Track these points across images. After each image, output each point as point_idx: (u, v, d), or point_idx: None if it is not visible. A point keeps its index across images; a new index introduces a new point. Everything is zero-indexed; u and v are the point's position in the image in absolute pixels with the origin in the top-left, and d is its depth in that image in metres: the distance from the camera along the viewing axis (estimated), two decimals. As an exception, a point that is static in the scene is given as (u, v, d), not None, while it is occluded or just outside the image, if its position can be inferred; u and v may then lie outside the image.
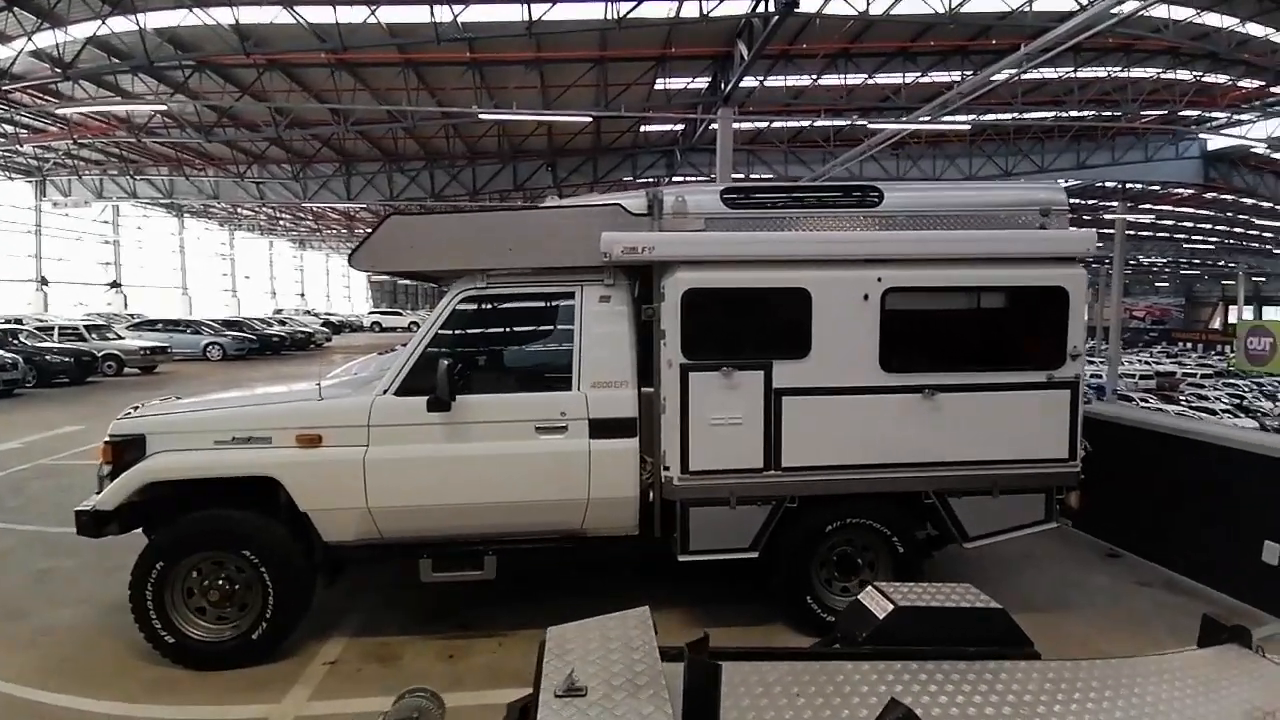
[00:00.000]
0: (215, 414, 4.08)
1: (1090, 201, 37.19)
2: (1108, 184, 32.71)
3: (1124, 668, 2.45)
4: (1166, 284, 69.19)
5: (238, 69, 18.94)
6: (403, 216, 4.02)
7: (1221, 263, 52.97)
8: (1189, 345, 52.15)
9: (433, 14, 14.59)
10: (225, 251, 47.07)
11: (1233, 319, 47.84)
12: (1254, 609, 4.47)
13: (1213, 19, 17.83)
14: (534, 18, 14.64)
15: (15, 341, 17.05)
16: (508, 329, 4.31)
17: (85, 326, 20.60)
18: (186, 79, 19.13)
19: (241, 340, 25.01)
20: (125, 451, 3.94)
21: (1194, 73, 21.56)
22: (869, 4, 15.40)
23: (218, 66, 18.77)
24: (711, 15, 15.23)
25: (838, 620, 3.45)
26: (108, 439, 4.02)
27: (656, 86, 20.93)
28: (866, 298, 4.00)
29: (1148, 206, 37.93)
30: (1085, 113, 23.85)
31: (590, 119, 19.52)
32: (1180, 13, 17.34)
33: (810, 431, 4.03)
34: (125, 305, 33.65)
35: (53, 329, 19.92)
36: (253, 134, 23.34)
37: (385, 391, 3.94)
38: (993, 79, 13.36)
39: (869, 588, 3.29)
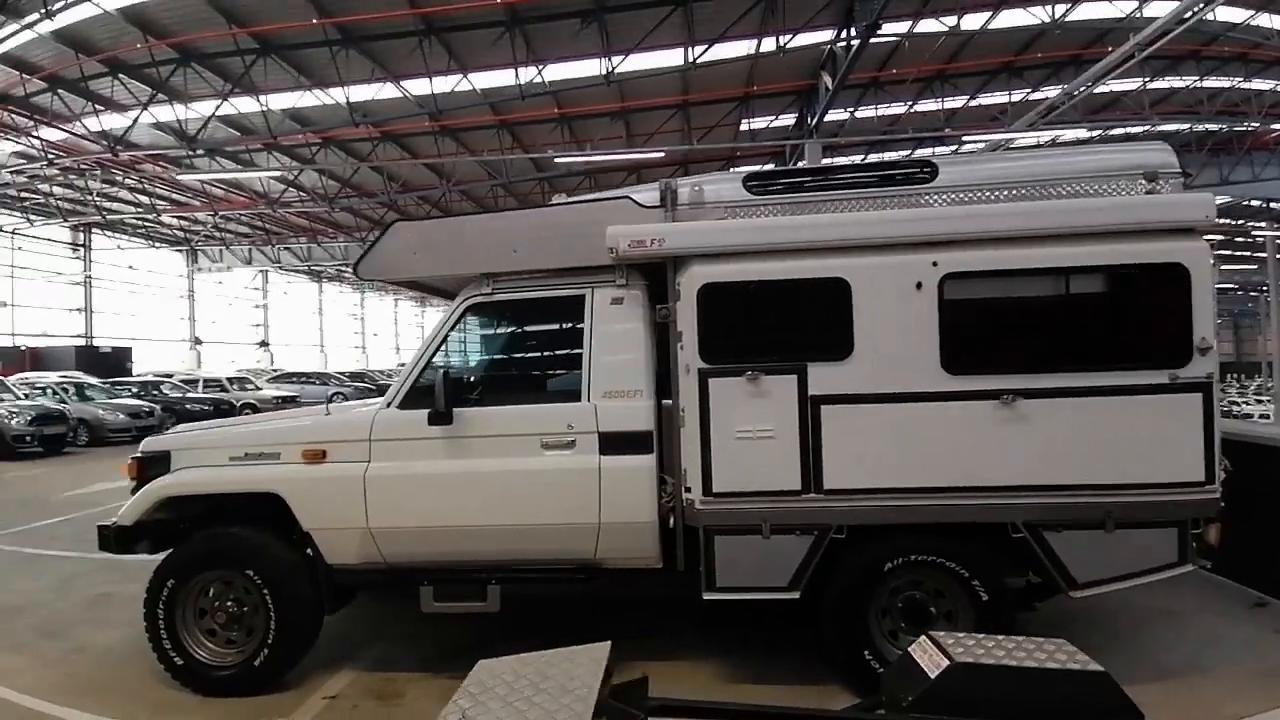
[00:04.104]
0: (232, 431, 4.05)
1: (1239, 221, 33.23)
2: (1253, 202, 29.11)
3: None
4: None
5: (355, 142, 20.69)
6: (408, 222, 3.89)
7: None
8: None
9: (517, 75, 15.25)
10: (356, 312, 51.14)
11: None
12: None
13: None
14: (613, 68, 14.92)
15: (156, 392, 19.13)
16: (516, 337, 4.03)
17: (227, 379, 22.86)
18: (314, 155, 21.06)
19: (363, 390, 26.79)
20: (149, 468, 3.97)
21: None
22: (959, 20, 14.52)
23: (340, 142, 20.57)
24: (790, 48, 14.94)
25: (883, 676, 2.77)
26: (135, 456, 4.05)
27: (742, 128, 20.82)
28: (920, 286, 3.36)
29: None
30: (1218, 125, 21.53)
31: (662, 154, 19.57)
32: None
33: (857, 447, 3.39)
34: (271, 361, 37.02)
35: (197, 381, 22.32)
36: (370, 199, 25.29)
37: (389, 405, 3.73)
38: (1089, 86, 12.09)
39: (923, 637, 2.61)
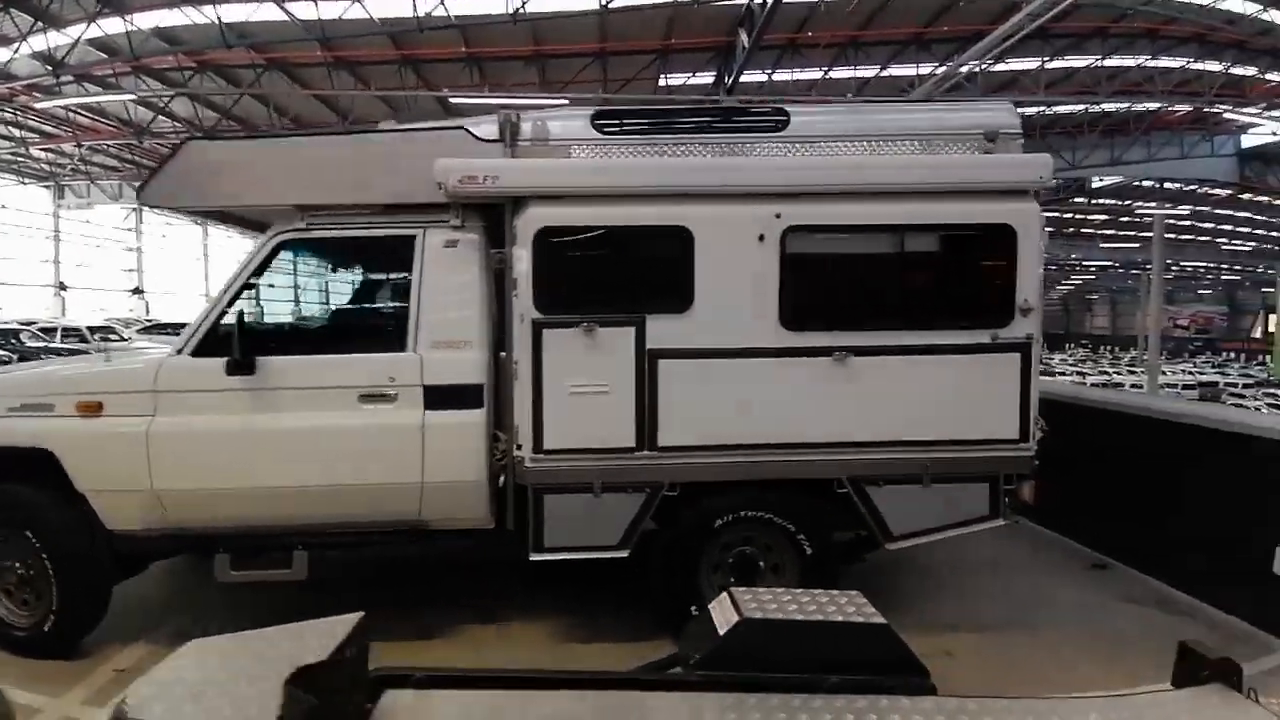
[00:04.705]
0: (6, 379, 3.55)
1: (1126, 202, 35.57)
2: (1145, 183, 31.13)
3: (1055, 711, 1.78)
4: (1209, 291, 66.03)
5: (237, 68, 18.91)
6: (203, 141, 3.45)
7: (1261, 268, 50.23)
8: (1233, 355, 49.47)
9: (415, 6, 14.23)
10: (249, 258, 47.80)
11: (1273, 328, 45.05)
12: (1262, 633, 3.61)
13: (1235, 2, 16.64)
14: (522, 5, 14.15)
15: (14, 341, 17.44)
16: (333, 279, 3.71)
17: (88, 328, 20.90)
18: (187, 80, 19.15)
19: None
20: None
21: (1222, 63, 20.29)
22: (873, -16, 14.54)
23: (217, 67, 18.76)
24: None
25: (682, 634, 2.73)
26: None
27: (660, 83, 20.37)
28: (762, 238, 3.27)
29: (1187, 208, 36.09)
30: (1118, 105, 22.62)
31: (567, 101, 18.97)
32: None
33: (693, 403, 3.31)
34: (147, 311, 34.03)
35: (55, 330, 20.34)
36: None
37: (180, 351, 3.33)
38: (981, 61, 12.35)
39: (722, 595, 2.57)
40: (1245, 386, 30.38)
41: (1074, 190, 30.51)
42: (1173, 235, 40.61)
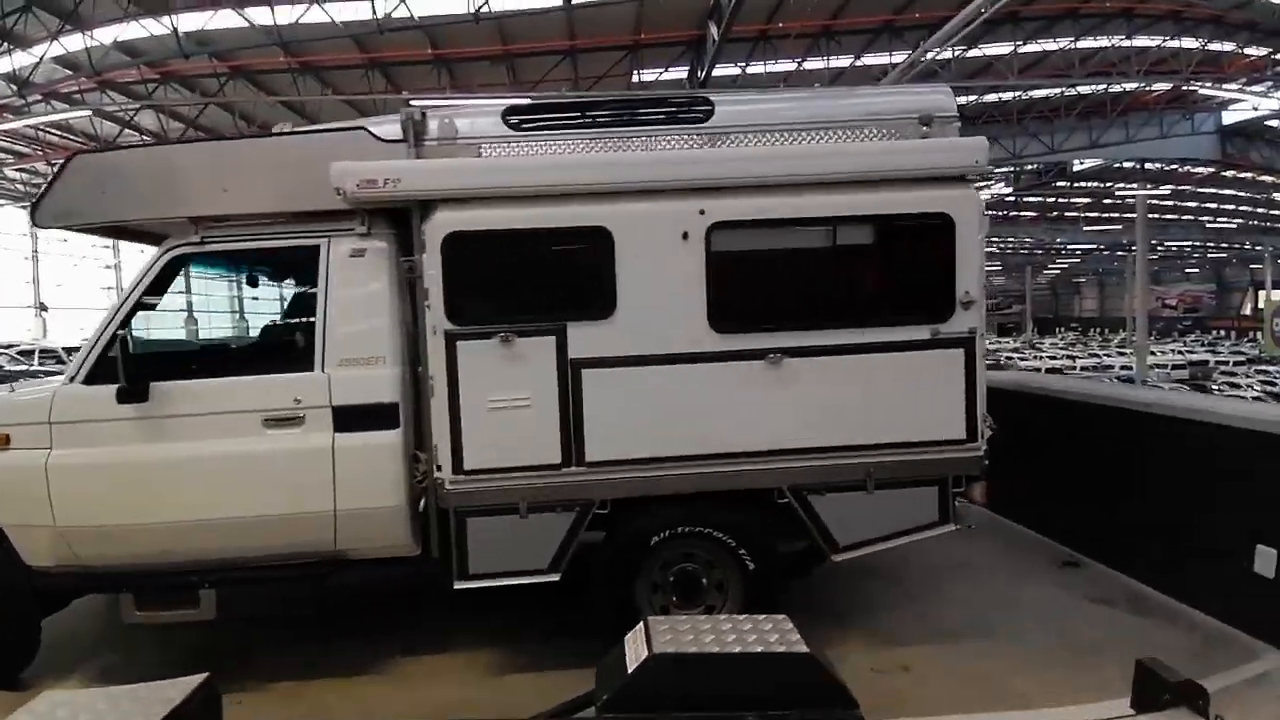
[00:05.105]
0: None
1: (1107, 184, 35.49)
2: (1125, 164, 31.03)
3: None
4: (1196, 270, 66.14)
5: (200, 78, 18.67)
6: (90, 155, 3.24)
7: (1247, 245, 50.20)
8: (1223, 333, 49.60)
9: (374, 9, 14.03)
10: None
11: (1262, 304, 45.13)
12: (1241, 634, 3.42)
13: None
14: (484, 3, 13.94)
15: None
16: (231, 296, 3.48)
17: (64, 349, 20.76)
18: (150, 92, 18.89)
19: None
20: None
21: (1199, 39, 20.12)
22: (841, -28, 14.37)
23: (181, 77, 18.51)
24: (668, -10, 14.41)
25: (597, 669, 2.53)
26: None
27: (633, 80, 20.17)
28: (686, 236, 3.07)
29: (1169, 188, 36.05)
30: (1095, 85, 22.45)
31: (529, 101, 18.74)
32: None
33: (621, 414, 3.12)
34: (128, 329, 33.68)
35: (33, 352, 20.25)
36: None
37: (72, 380, 3.13)
38: (946, 48, 12.18)
39: (640, 624, 2.38)
40: (1236, 364, 30.29)
41: (1055, 174, 30.44)
42: (1156, 215, 40.54)
